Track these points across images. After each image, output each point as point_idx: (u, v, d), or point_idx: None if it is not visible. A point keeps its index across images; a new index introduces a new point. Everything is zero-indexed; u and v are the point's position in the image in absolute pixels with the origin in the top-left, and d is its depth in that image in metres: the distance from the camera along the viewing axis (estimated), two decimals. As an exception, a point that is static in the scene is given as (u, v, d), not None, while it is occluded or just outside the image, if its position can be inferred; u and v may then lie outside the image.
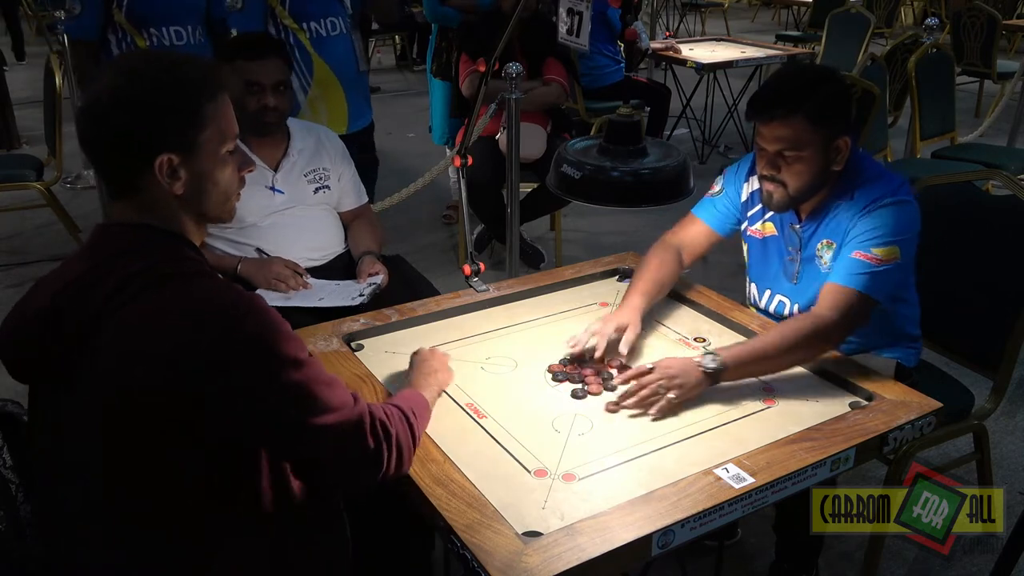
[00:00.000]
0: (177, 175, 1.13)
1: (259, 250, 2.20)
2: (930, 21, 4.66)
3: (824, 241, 1.75)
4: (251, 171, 1.27)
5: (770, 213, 1.82)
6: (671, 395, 1.47)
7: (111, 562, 1.14)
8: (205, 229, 1.24)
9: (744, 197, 1.89)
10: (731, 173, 1.94)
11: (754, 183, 1.85)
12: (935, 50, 4.12)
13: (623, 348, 1.64)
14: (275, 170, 2.25)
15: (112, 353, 1.06)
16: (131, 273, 1.08)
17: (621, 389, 1.56)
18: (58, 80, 3.61)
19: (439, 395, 1.50)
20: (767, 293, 1.89)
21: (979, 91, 6.69)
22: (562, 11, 2.18)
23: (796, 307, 1.83)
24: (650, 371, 1.51)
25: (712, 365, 1.50)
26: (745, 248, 1.93)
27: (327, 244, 2.33)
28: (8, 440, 1.29)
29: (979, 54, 5.93)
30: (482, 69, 1.96)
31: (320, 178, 2.33)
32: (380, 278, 2.17)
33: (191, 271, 1.13)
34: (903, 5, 9.72)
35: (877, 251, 1.63)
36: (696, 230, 1.94)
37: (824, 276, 1.72)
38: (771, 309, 1.89)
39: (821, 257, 1.76)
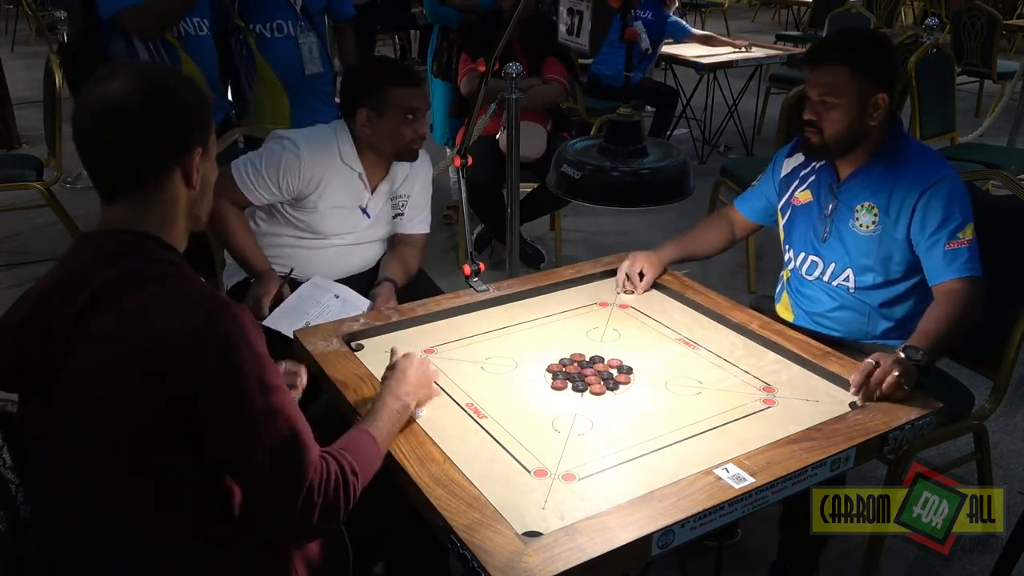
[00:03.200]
0: (199, 171, 1.16)
1: (291, 271, 2.20)
2: (930, 21, 4.66)
3: (866, 204, 1.85)
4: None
5: (809, 181, 1.96)
6: (907, 386, 1.50)
7: (106, 558, 1.14)
8: (187, 237, 1.22)
9: (785, 172, 2.03)
10: (773, 160, 2.10)
11: (797, 159, 2.01)
12: (935, 50, 4.12)
13: (639, 290, 1.95)
14: (372, 193, 2.26)
15: (96, 355, 1.06)
16: (114, 275, 1.07)
17: (623, 389, 1.57)
18: (58, 80, 3.60)
19: (408, 412, 1.39)
20: (801, 256, 1.98)
21: (979, 91, 6.69)
22: (562, 10, 2.18)
23: (832, 267, 1.91)
24: (875, 365, 1.51)
25: (920, 357, 1.54)
26: (784, 218, 2.04)
27: (363, 268, 2.35)
28: (8, 440, 1.28)
29: (979, 54, 5.94)
30: (482, 69, 1.96)
31: (401, 204, 2.34)
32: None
33: (173, 274, 1.11)
34: (903, 5, 9.72)
35: (962, 234, 1.76)
36: (737, 215, 2.17)
37: (858, 238, 1.85)
38: (803, 271, 1.98)
39: (858, 219, 1.86)
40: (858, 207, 1.85)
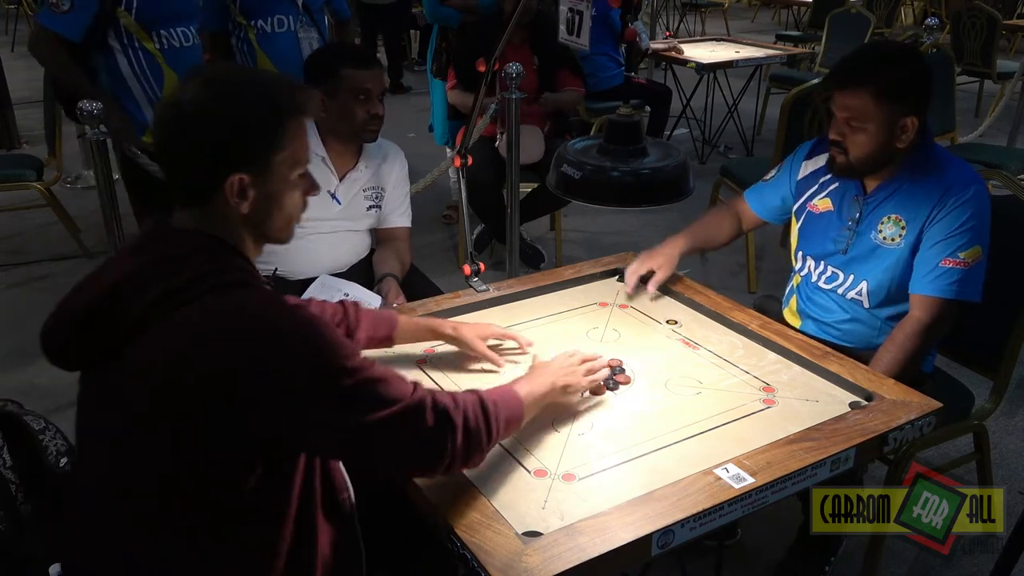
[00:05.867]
0: (246, 195, 1.14)
1: (276, 270, 2.20)
2: (930, 21, 4.67)
3: (892, 216, 1.81)
4: (315, 194, 1.26)
5: (830, 188, 1.92)
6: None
7: (121, 552, 1.14)
8: (261, 248, 1.23)
9: (802, 175, 1.99)
10: (789, 159, 2.06)
11: (816, 162, 1.96)
12: (935, 50, 4.13)
13: (651, 287, 1.90)
14: (340, 180, 2.27)
15: (163, 350, 1.06)
16: (191, 277, 1.08)
17: (623, 389, 1.57)
18: (58, 80, 3.61)
19: (552, 392, 1.41)
20: (821, 265, 1.95)
21: (979, 91, 6.69)
22: (563, 10, 2.18)
23: (851, 279, 1.89)
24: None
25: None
26: (799, 222, 2.00)
27: (351, 262, 2.36)
28: (8, 440, 1.29)
29: (979, 54, 5.94)
30: (482, 69, 1.97)
31: (376, 196, 2.34)
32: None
33: (248, 282, 1.13)
34: (903, 5, 9.73)
35: (964, 255, 1.73)
36: (745, 208, 2.13)
37: (882, 251, 1.82)
38: (820, 281, 1.95)
39: (881, 231, 1.83)
40: (884, 219, 1.82)
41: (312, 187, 1.24)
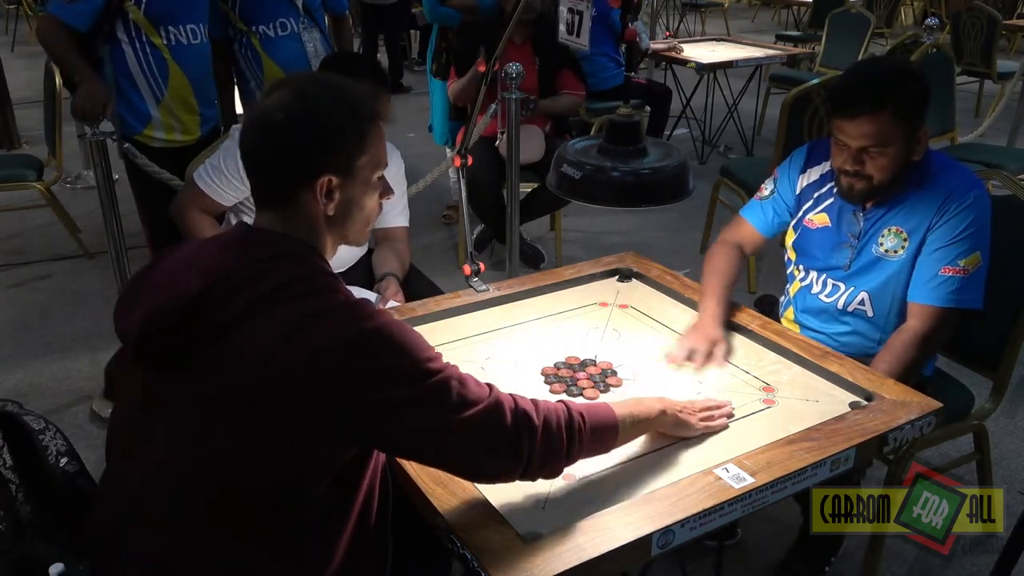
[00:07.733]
0: (332, 196, 1.17)
1: None
2: (930, 21, 4.67)
3: (893, 228, 1.79)
4: (390, 199, 1.30)
5: (826, 203, 1.89)
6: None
7: (159, 555, 1.12)
8: (336, 250, 1.26)
9: (799, 189, 1.95)
10: (783, 171, 2.00)
11: (810, 176, 1.92)
12: (935, 50, 4.13)
13: (718, 364, 1.66)
14: None
15: (257, 345, 1.07)
16: (283, 281, 1.10)
17: (615, 391, 1.57)
18: (58, 80, 3.60)
19: (659, 420, 1.37)
20: (822, 278, 1.92)
21: (979, 91, 6.69)
22: (563, 10, 2.18)
23: (851, 291, 1.87)
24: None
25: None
26: (794, 236, 1.97)
27: (349, 262, 2.36)
28: (8, 440, 1.29)
29: (979, 54, 5.94)
30: (482, 69, 1.97)
31: None
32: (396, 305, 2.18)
33: (328, 287, 1.15)
34: (903, 5, 9.74)
35: (963, 262, 1.72)
36: (746, 231, 2.04)
37: (884, 263, 1.80)
38: (822, 294, 1.92)
39: (883, 244, 1.81)
40: (885, 231, 1.80)
41: (387, 190, 1.28)
